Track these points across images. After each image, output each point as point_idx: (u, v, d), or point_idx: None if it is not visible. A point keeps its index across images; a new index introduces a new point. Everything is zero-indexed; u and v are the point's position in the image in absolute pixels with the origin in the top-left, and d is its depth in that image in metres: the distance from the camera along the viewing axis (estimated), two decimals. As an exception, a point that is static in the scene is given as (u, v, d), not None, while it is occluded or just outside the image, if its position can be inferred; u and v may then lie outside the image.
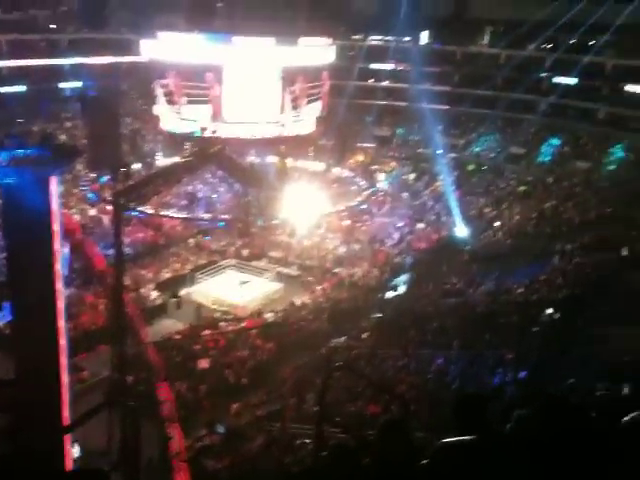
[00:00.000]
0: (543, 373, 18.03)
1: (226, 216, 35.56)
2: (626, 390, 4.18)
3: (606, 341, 18.84)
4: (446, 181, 39.26)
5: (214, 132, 32.66)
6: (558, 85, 43.20)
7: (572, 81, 42.66)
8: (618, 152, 39.28)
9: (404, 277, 31.28)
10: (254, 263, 33.11)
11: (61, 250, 14.48)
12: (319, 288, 30.44)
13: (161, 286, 29.93)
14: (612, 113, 41.47)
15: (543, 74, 44.27)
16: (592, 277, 23.65)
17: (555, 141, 42.61)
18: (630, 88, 40.19)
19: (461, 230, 34.70)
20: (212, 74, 30.20)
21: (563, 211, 33.83)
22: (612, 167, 38.30)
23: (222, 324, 26.47)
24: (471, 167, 43.36)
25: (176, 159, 31.93)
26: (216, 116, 32.21)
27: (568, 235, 29.82)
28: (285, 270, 32.55)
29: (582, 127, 41.83)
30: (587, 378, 16.30)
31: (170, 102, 32.35)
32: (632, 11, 41.45)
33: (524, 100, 44.17)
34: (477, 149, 45.55)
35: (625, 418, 2.24)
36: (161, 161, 39.12)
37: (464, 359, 20.65)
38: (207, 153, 29.01)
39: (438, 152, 41.87)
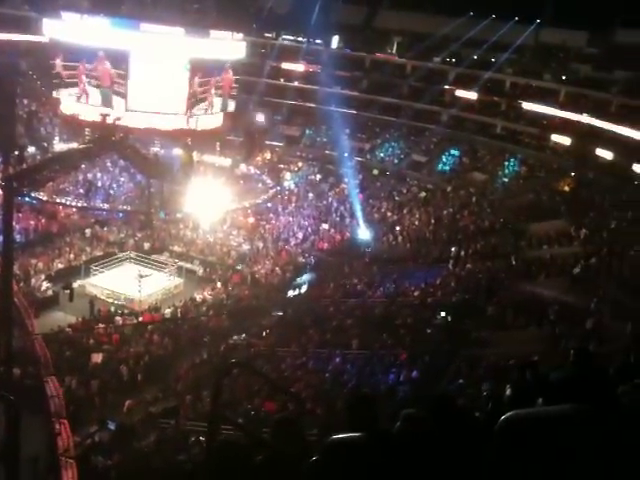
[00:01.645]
0: (434, 374, 18.78)
1: (126, 207, 34.45)
2: (508, 392, 4.45)
3: (493, 344, 19.88)
4: (351, 184, 39.95)
5: (117, 119, 31.54)
6: (460, 98, 45.01)
7: (473, 95, 44.57)
8: (512, 165, 41.46)
9: (306, 276, 31.56)
10: (154, 257, 32.27)
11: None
12: (220, 284, 30.15)
13: (53, 277, 28.58)
14: (508, 128, 43.73)
15: (446, 86, 45.99)
16: (482, 283, 24.83)
17: (455, 151, 44.39)
18: (527, 105, 42.50)
19: (363, 233, 35.41)
20: (115, 60, 29.24)
21: (459, 219, 35.27)
22: (506, 179, 40.37)
23: (117, 318, 25.64)
24: (375, 171, 44.35)
25: (74, 145, 30.63)
26: (119, 104, 31.17)
27: (463, 242, 31.12)
28: (186, 265, 31.98)
29: (480, 140, 43.81)
30: (475, 379, 17.14)
31: (71, 85, 30.90)
32: (532, 32, 43.97)
33: (428, 110, 45.75)
34: (382, 154, 46.66)
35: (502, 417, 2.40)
36: (58, 146, 37.33)
37: (361, 359, 21.12)
38: (108, 140, 28.06)
39: (345, 155, 42.53)
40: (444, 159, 44.46)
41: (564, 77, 42.84)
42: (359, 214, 36.60)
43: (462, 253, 29.58)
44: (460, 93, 45.09)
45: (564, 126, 40.41)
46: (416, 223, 36.44)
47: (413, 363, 19.74)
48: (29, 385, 19.00)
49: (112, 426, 18.32)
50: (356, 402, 3.43)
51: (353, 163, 42.69)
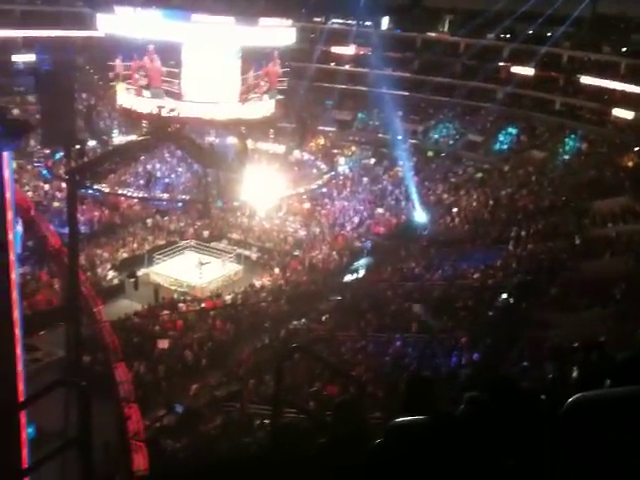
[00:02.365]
0: (497, 356, 18.54)
1: (185, 197, 35.12)
2: (575, 374, 4.37)
3: (556, 326, 19.45)
4: (405, 167, 39.56)
5: (173, 111, 32.11)
6: (516, 75, 43.81)
7: (529, 71, 43.31)
8: (572, 142, 40.19)
9: (363, 261, 31.53)
10: (213, 244, 32.89)
11: (14, 227, 14.17)
12: (278, 271, 30.46)
13: (118, 266, 29.49)
14: (567, 104, 42.34)
15: (501, 63, 44.83)
16: (544, 264, 24.28)
17: (512, 130, 43.34)
18: (585, 80, 41.04)
19: (420, 215, 35.08)
20: (167, 55, 29.82)
21: (518, 199, 34.51)
22: (566, 157, 39.18)
23: (181, 305, 26.29)
24: (430, 153, 43.77)
25: (133, 137, 31.34)
26: (175, 95, 31.73)
27: (523, 222, 30.47)
28: (245, 252, 32.44)
29: (538, 117, 42.60)
30: (538, 361, 16.83)
31: (128, 79, 31.62)
32: (589, 3, 42.32)
33: (482, 88, 44.75)
34: (436, 136, 45.99)
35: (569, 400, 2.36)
36: (117, 139, 38.30)
37: (421, 342, 21.03)
38: (165, 132, 28.59)
39: (398, 138, 42.09)
40: (501, 138, 43.49)
41: (624, 49, 41.13)
42: (414, 197, 36.26)
43: (522, 233, 28.97)
44: (516, 69, 43.94)
45: (625, 100, 38.86)
46: (473, 204, 35.84)
47: (474, 346, 19.54)
48: (99, 371, 19.73)
49: (179, 410, 18.88)
50: (415, 384, 3.45)
51: (407, 145, 42.23)
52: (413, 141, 43.92)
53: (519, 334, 19.41)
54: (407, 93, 45.21)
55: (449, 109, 46.42)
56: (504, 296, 21.88)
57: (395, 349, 20.94)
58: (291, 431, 3.60)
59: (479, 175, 39.80)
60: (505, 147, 42.69)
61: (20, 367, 13.83)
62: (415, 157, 42.13)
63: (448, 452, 2.74)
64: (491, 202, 35.12)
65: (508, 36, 45.06)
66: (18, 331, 14.03)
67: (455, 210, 35.47)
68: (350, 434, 3.34)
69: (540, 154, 39.91)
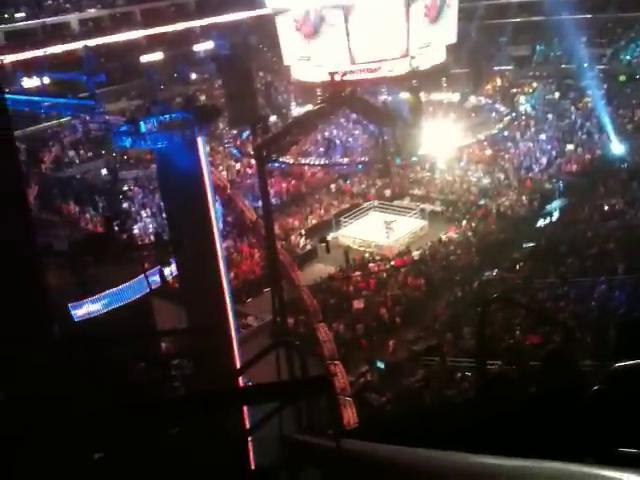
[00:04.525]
0: None
1: (364, 158, 35.57)
2: None
3: None
4: (595, 96, 36.33)
5: (344, 75, 32.51)
6: None
7: None
8: None
9: (557, 203, 29.79)
10: (396, 203, 33.06)
11: (215, 205, 15.41)
12: (465, 222, 29.83)
13: (309, 232, 30.87)
14: None
15: None
16: None
17: None
18: None
19: (617, 147, 32.23)
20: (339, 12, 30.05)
21: None
22: None
23: (371, 265, 26.90)
24: (623, 77, 39.68)
25: (309, 107, 32.26)
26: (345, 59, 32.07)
27: None
28: (429, 207, 32.19)
29: None
30: None
31: (298, 50, 32.60)
32: None
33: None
34: (627, 57, 41.47)
35: None
36: (295, 110, 39.71)
37: (630, 284, 19.46)
38: (339, 97, 29.04)
39: (584, 66, 38.65)
40: None
41: None
42: (609, 128, 33.27)
43: None
44: None
45: None
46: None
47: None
48: (302, 333, 20.98)
49: (381, 365, 19.47)
50: (631, 327, 3.21)
51: (595, 73, 38.65)
52: (602, 67, 40.04)
53: None
54: (590, 15, 41.14)
55: (640, 25, 41.60)
56: None
57: (600, 293, 19.60)
58: (501, 381, 3.54)
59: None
60: None
61: (234, 337, 15.20)
62: (606, 84, 38.46)
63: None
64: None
65: None
66: (229, 300, 15.40)
67: (658, 135, 32.02)
68: (562, 383, 3.20)
69: None
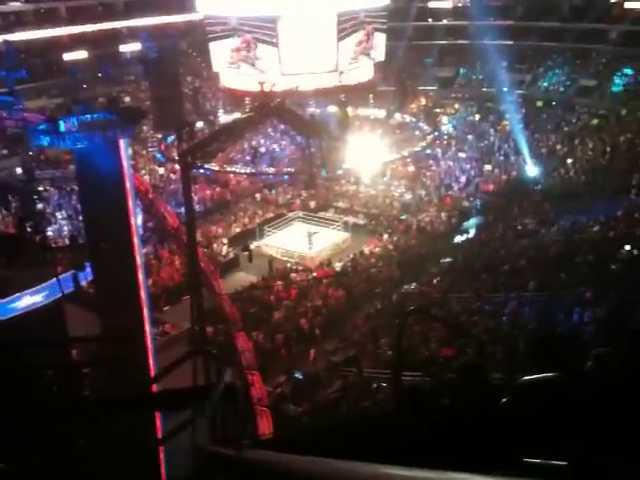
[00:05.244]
0: (623, 311, 17.59)
1: (290, 169, 35.70)
2: None
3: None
4: (513, 119, 37.94)
5: (274, 85, 32.56)
6: (630, 11, 40.49)
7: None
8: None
9: (473, 221, 30.80)
10: (321, 214, 33.30)
11: (135, 210, 15.00)
12: (386, 236, 30.39)
13: (232, 241, 30.61)
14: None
15: (613, 0, 41.60)
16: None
17: (628, 70, 40.28)
18: None
19: (531, 169, 33.70)
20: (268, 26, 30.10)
21: (639, 144, 32.27)
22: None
23: (293, 275, 26.93)
24: (539, 103, 41.67)
25: (237, 115, 32.08)
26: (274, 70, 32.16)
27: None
28: (352, 219, 32.61)
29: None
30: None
31: (228, 58, 32.42)
32: None
33: (593, 29, 41.73)
34: (545, 84, 43.64)
35: None
36: (223, 118, 39.42)
37: (539, 300, 20.34)
38: (268, 107, 28.99)
39: (504, 90, 40.34)
40: (616, 80, 40.55)
41: None
42: (525, 150, 34.79)
43: (646, 181, 27.11)
44: (630, 5, 40.56)
45: None
46: (590, 153, 33.89)
47: (598, 302, 18.63)
48: (221, 341, 20.69)
49: (299, 376, 19.47)
50: (542, 342, 3.34)
51: (514, 97, 40.41)
52: (520, 92, 41.92)
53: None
54: (511, 42, 43.04)
55: (557, 55, 43.83)
56: (627, 248, 20.65)
57: (511, 308, 20.39)
58: (415, 393, 3.61)
59: (595, 122, 37.49)
60: (621, 90, 39.80)
61: (150, 345, 14.80)
62: (524, 108, 40.27)
63: (580, 409, 2.64)
64: (609, 150, 33.04)
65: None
66: (146, 307, 14.99)
67: (570, 161, 33.71)
68: (475, 394, 3.29)
69: (662, 93, 36.96)
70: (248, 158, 38.06)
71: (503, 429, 2.78)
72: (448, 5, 47.01)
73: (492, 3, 43.96)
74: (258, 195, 35.74)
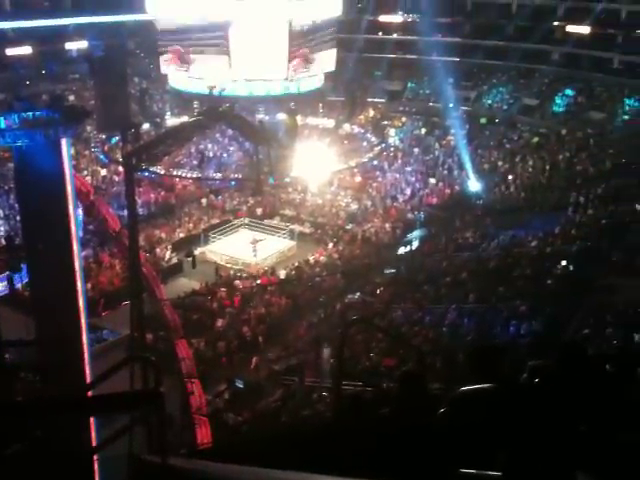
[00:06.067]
0: (557, 325, 18.16)
1: (237, 175, 35.48)
2: (637, 338, 4.23)
3: (621, 291, 18.87)
4: (458, 135, 38.76)
5: (223, 90, 32.38)
6: (571, 34, 42.12)
7: (585, 29, 41.56)
8: (633, 102, 38.51)
9: (417, 232, 31.25)
10: (267, 221, 33.20)
11: (75, 211, 14.60)
12: (332, 245, 30.53)
13: (176, 246, 30.13)
14: (627, 62, 40.50)
15: (556, 23, 43.16)
16: (606, 229, 23.53)
17: (569, 91, 41.81)
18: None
19: (474, 184, 34.44)
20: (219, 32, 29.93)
21: (577, 162, 33.43)
22: (627, 117, 37.61)
23: (237, 282, 26.70)
24: (483, 120, 42.74)
25: (185, 118, 31.71)
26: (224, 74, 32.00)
27: (582, 187, 29.54)
28: (298, 228, 32.62)
29: (596, 77, 40.94)
30: (600, 328, 16.41)
31: (177, 60, 32.06)
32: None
33: (537, 50, 43.19)
34: (489, 101, 44.81)
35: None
36: (170, 121, 38.89)
37: (478, 312, 20.79)
38: (216, 112, 28.77)
39: (449, 105, 41.23)
40: (557, 100, 42.01)
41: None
42: (468, 166, 35.57)
43: (582, 199, 28.09)
44: (571, 28, 42.17)
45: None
46: (530, 170, 34.95)
47: (534, 315, 19.19)
48: (161, 349, 20.28)
49: (240, 384, 19.28)
50: (480, 354, 3.40)
51: (459, 113, 41.30)
52: (465, 108, 42.90)
53: (580, 302, 18.94)
54: (458, 59, 44.04)
55: (502, 73, 45.11)
56: (563, 263, 21.35)
57: (451, 320, 20.77)
58: (355, 402, 3.62)
59: (535, 140, 38.70)
60: (562, 110, 41.27)
61: (86, 351, 14.39)
62: (468, 125, 41.22)
63: (516, 419, 2.70)
64: (548, 167, 34.16)
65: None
66: (83, 312, 14.58)
67: (511, 177, 34.65)
68: (415, 404, 3.33)
69: (599, 115, 38.42)
70: (195, 162, 37.63)
71: (440, 440, 2.81)
72: (398, 19, 47.76)
73: (440, 20, 44.90)
74: (204, 200, 35.31)
